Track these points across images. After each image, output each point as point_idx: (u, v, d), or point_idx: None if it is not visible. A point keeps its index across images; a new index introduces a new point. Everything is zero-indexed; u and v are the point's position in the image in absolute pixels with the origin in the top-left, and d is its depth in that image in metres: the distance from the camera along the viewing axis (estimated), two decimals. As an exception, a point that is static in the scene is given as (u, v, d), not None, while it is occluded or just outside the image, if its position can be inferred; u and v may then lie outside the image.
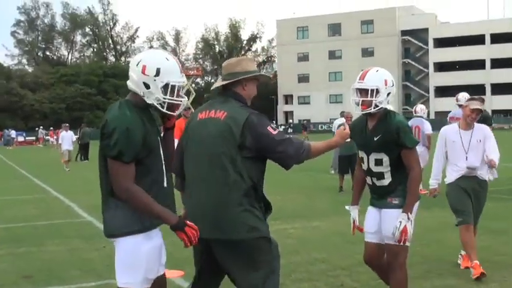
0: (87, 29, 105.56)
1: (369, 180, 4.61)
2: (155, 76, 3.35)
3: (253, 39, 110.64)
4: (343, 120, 14.18)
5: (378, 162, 4.43)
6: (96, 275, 6.50)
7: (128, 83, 3.41)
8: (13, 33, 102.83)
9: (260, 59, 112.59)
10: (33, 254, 7.72)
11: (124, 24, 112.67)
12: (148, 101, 3.37)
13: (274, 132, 3.67)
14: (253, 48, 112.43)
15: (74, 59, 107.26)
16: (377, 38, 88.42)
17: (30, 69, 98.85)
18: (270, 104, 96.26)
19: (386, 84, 4.35)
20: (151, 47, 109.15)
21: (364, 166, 4.57)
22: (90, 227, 9.63)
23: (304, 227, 9.18)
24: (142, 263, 3.32)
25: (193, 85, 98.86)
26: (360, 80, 4.43)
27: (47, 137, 61.36)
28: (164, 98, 3.39)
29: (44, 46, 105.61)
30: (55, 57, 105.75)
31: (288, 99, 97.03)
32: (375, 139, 4.40)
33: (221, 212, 3.59)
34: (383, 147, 4.38)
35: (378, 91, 4.31)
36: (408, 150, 4.33)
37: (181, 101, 3.44)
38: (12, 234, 9.16)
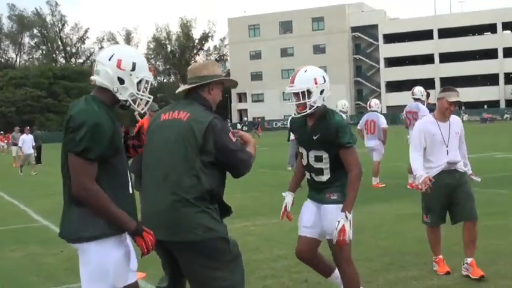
0: (35, 31, 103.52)
1: (308, 175, 4.64)
2: (131, 71, 3.25)
3: (205, 38, 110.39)
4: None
5: (318, 159, 4.47)
6: (55, 280, 6.34)
7: (97, 78, 3.22)
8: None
9: (212, 57, 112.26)
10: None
11: (73, 25, 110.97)
12: (121, 97, 3.25)
13: (234, 140, 3.67)
14: (205, 47, 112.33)
15: (23, 62, 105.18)
16: (328, 35, 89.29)
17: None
18: (224, 102, 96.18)
19: (316, 83, 4.37)
20: (101, 47, 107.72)
21: (304, 161, 4.61)
22: (46, 231, 9.42)
23: (264, 224, 9.16)
24: (110, 272, 3.16)
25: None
26: (290, 83, 4.45)
27: (-3, 142, 59.80)
28: (138, 94, 3.29)
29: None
30: (3, 60, 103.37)
31: (242, 97, 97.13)
32: (314, 138, 4.44)
33: (176, 213, 3.50)
34: (322, 146, 4.41)
35: (309, 92, 4.34)
36: (347, 149, 4.34)
37: (151, 98, 3.38)
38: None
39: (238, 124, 73.40)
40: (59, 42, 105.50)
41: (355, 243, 7.35)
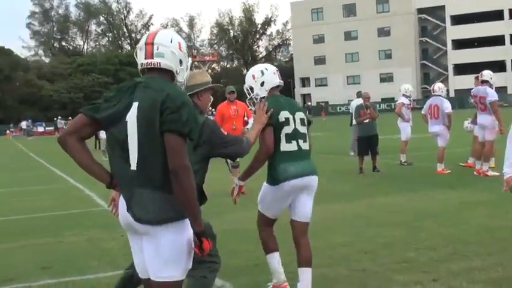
0: (102, 18, 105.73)
1: (293, 145, 5.05)
2: (185, 54, 3.36)
3: (267, 22, 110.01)
4: (360, 101, 13.96)
5: (303, 122, 5.19)
6: (115, 264, 6.41)
7: (161, 60, 3.22)
8: (28, 25, 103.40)
9: (275, 42, 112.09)
10: (51, 245, 7.68)
11: (138, 12, 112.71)
12: (179, 79, 3.33)
13: (226, 134, 4.25)
14: (268, 32, 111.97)
15: (90, 49, 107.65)
16: (393, 17, 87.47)
17: (47, 60, 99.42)
18: (287, 87, 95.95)
19: (254, 78, 5.04)
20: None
21: (289, 129, 5.01)
22: (107, 215, 9.50)
23: (324, 210, 9.00)
24: (185, 254, 3.17)
25: (209, 70, 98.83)
26: None
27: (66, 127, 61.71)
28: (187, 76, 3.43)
29: (59, 37, 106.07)
30: (71, 48, 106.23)
31: (305, 81, 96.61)
32: None
33: None
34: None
35: (251, 88, 5.03)
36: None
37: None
38: (31, 226, 9.13)
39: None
40: (124, 29, 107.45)
41: (416, 230, 7.22)
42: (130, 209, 3.13)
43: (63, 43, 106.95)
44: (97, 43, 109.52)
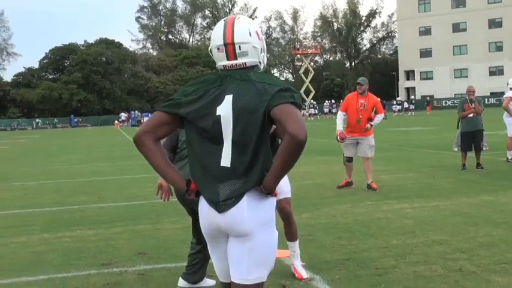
0: (207, 12, 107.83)
1: None
2: (263, 40, 3.18)
3: (372, 14, 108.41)
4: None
5: None
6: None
7: (247, 60, 3.05)
8: (137, 19, 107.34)
9: (380, 34, 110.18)
10: (149, 232, 7.89)
11: (242, 6, 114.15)
12: (261, 67, 3.17)
13: None
14: (373, 24, 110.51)
15: (195, 42, 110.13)
16: (506, 8, 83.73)
17: (154, 53, 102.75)
18: (391, 80, 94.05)
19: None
20: (269, 26, 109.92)
21: None
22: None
23: (422, 206, 8.75)
24: (275, 251, 3.06)
25: (312, 63, 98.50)
26: None
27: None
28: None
29: (166, 30, 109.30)
30: (177, 41, 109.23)
31: (410, 74, 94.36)
32: None
33: None
34: None
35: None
36: None
37: None
38: (131, 212, 9.43)
39: (405, 102, 71.32)
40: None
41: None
42: (223, 211, 2.96)
43: (170, 36, 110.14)
44: (202, 36, 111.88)
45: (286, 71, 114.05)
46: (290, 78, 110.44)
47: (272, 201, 3.02)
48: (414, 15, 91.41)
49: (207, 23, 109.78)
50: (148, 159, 3.07)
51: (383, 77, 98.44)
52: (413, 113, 66.05)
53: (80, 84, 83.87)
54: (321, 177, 12.67)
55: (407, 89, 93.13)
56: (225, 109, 2.95)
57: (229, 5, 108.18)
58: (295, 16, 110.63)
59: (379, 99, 11.36)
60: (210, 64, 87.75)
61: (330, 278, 5.37)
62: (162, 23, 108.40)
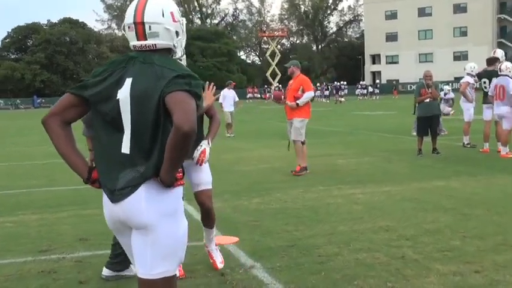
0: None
1: None
2: (180, 22, 3.00)
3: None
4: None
5: None
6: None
7: (157, 41, 2.87)
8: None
9: (346, 18, 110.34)
10: (96, 217, 7.66)
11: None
12: (178, 53, 3.02)
13: None
14: (339, 7, 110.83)
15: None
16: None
17: (119, 34, 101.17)
18: (357, 64, 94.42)
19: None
20: (236, 8, 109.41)
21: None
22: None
23: (374, 192, 8.71)
24: (183, 244, 2.92)
25: (279, 46, 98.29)
26: None
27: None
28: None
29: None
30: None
31: (376, 58, 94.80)
32: None
33: None
34: None
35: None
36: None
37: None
38: (80, 196, 9.15)
39: (370, 87, 71.64)
40: (195, 4, 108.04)
41: (466, 217, 6.84)
42: (118, 200, 2.79)
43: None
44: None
45: (252, 54, 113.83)
46: (257, 61, 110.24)
47: (177, 191, 2.87)
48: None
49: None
50: (53, 143, 2.91)
51: (349, 60, 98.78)
52: (378, 97, 66.43)
53: (43, 64, 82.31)
54: (279, 161, 12.58)
55: (373, 73, 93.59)
56: (124, 93, 2.81)
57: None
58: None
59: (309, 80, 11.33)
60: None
61: (270, 266, 5.26)
62: (128, 3, 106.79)
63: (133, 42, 2.91)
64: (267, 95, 74.17)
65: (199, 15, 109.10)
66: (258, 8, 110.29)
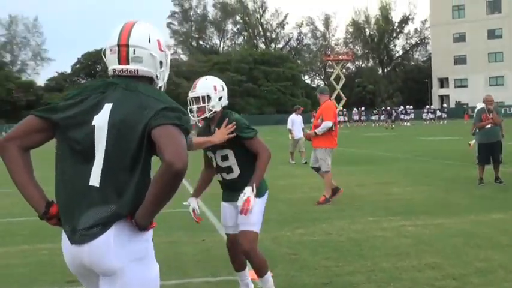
0: (238, 18, 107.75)
1: (219, 177, 4.92)
2: (166, 53, 2.83)
3: (405, 21, 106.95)
4: (483, 104, 12.76)
5: (224, 158, 4.78)
6: (181, 272, 6.10)
7: (140, 67, 2.68)
8: (169, 25, 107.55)
9: (413, 41, 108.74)
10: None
11: (273, 11, 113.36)
12: (160, 84, 2.80)
13: None
14: (406, 30, 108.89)
15: (226, 47, 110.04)
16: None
17: (184, 59, 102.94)
18: (423, 88, 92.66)
19: (216, 90, 4.72)
20: (300, 32, 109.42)
21: (214, 164, 4.89)
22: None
23: (425, 224, 8.19)
24: None
25: (344, 70, 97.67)
26: (192, 89, 4.75)
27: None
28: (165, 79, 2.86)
29: (197, 36, 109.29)
30: (208, 46, 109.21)
31: (444, 82, 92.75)
32: None
33: None
34: (226, 144, 4.69)
35: (208, 97, 4.67)
36: (251, 140, 4.68)
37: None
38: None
39: (438, 111, 69.91)
40: (260, 28, 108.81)
41: None
42: (81, 241, 2.52)
43: (201, 42, 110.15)
44: (233, 42, 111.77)
45: (317, 78, 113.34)
46: (321, 85, 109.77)
47: (148, 233, 2.61)
48: (448, 21, 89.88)
49: (237, 29, 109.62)
50: (8, 170, 2.63)
51: (416, 84, 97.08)
52: (445, 121, 64.73)
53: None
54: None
55: (441, 97, 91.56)
56: (101, 119, 2.57)
57: (260, 11, 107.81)
58: (326, 22, 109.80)
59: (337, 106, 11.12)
60: (241, 70, 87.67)
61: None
62: (193, 28, 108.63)
63: (114, 66, 2.71)
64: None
65: (263, 40, 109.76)
66: (322, 32, 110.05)
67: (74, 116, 2.60)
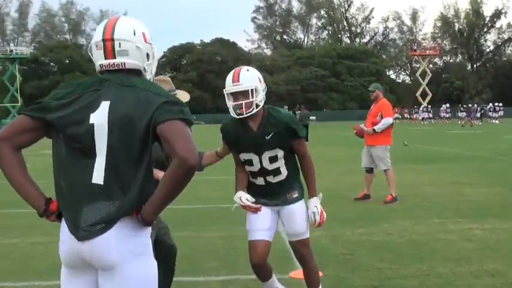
0: (323, 12, 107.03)
1: (260, 181, 4.44)
2: (151, 45, 2.81)
3: (497, 15, 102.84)
4: None
5: (273, 159, 4.36)
6: (231, 268, 6.08)
7: (126, 60, 2.66)
8: (253, 19, 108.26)
9: (505, 35, 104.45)
10: (190, 240, 7.54)
11: (359, 6, 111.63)
12: (148, 77, 2.78)
13: None
14: (497, 25, 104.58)
15: (310, 42, 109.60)
16: None
17: (268, 53, 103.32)
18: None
19: (261, 82, 4.30)
20: (386, 27, 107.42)
21: (255, 167, 4.41)
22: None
23: (493, 228, 7.81)
24: (155, 285, 2.66)
25: (430, 65, 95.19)
26: (233, 83, 4.24)
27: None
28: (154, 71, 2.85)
29: (281, 30, 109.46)
30: (291, 41, 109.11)
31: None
32: (267, 138, 4.30)
33: None
34: (277, 144, 4.30)
35: (256, 90, 4.22)
36: (301, 140, 4.39)
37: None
38: (180, 217, 9.08)
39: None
40: (345, 23, 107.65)
41: None
42: (85, 238, 2.52)
43: (285, 36, 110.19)
44: (317, 36, 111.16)
45: (402, 73, 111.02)
46: (407, 80, 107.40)
47: (148, 229, 2.61)
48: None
49: (322, 24, 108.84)
50: (3, 171, 2.63)
51: (507, 80, 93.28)
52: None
53: (194, 82, 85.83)
54: (403, 188, 11.77)
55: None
56: (99, 117, 2.55)
57: (345, 5, 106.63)
58: (414, 16, 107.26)
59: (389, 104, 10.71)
60: (324, 65, 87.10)
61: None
62: (277, 23, 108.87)
63: (101, 61, 2.69)
64: (415, 115, 71.93)
65: (348, 34, 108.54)
66: (409, 26, 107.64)
67: (69, 115, 2.58)
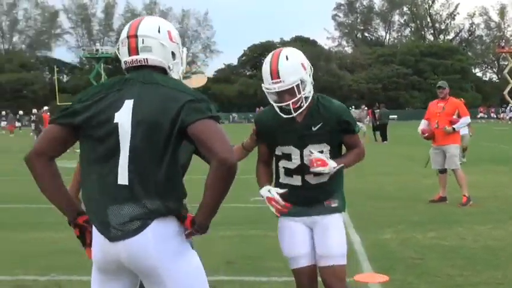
0: (405, 9, 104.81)
1: (297, 181, 3.63)
2: (179, 45, 2.78)
3: None
4: None
5: None
6: (267, 269, 5.90)
7: (149, 56, 2.63)
8: (334, 17, 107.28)
9: None
10: (257, 239, 7.46)
11: (443, 1, 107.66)
12: (175, 77, 2.73)
13: None
14: None
15: (392, 39, 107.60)
16: None
17: (349, 51, 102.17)
18: None
19: (305, 69, 3.50)
20: (472, 23, 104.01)
21: (293, 164, 3.61)
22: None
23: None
24: (204, 279, 2.64)
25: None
26: (273, 80, 3.46)
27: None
28: (183, 71, 2.82)
29: (362, 28, 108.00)
30: (373, 38, 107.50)
31: None
32: (314, 129, 3.55)
33: None
34: (325, 137, 3.57)
35: (303, 82, 3.46)
36: (354, 135, 3.67)
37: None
38: (250, 215, 9.01)
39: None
40: (428, 19, 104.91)
41: None
42: (120, 238, 2.48)
43: (366, 34, 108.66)
44: (399, 33, 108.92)
45: (489, 71, 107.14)
46: (494, 78, 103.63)
47: (182, 226, 2.57)
48: None
49: (404, 20, 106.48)
50: (38, 183, 2.64)
51: None
52: None
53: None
54: (483, 190, 11.27)
55: None
56: (123, 116, 2.51)
57: (429, 1, 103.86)
58: (502, 12, 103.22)
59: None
60: (406, 62, 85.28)
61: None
62: (359, 20, 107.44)
63: (125, 57, 2.68)
64: (502, 115, 69.35)
65: (431, 31, 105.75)
66: (497, 22, 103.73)
67: (94, 116, 2.56)
